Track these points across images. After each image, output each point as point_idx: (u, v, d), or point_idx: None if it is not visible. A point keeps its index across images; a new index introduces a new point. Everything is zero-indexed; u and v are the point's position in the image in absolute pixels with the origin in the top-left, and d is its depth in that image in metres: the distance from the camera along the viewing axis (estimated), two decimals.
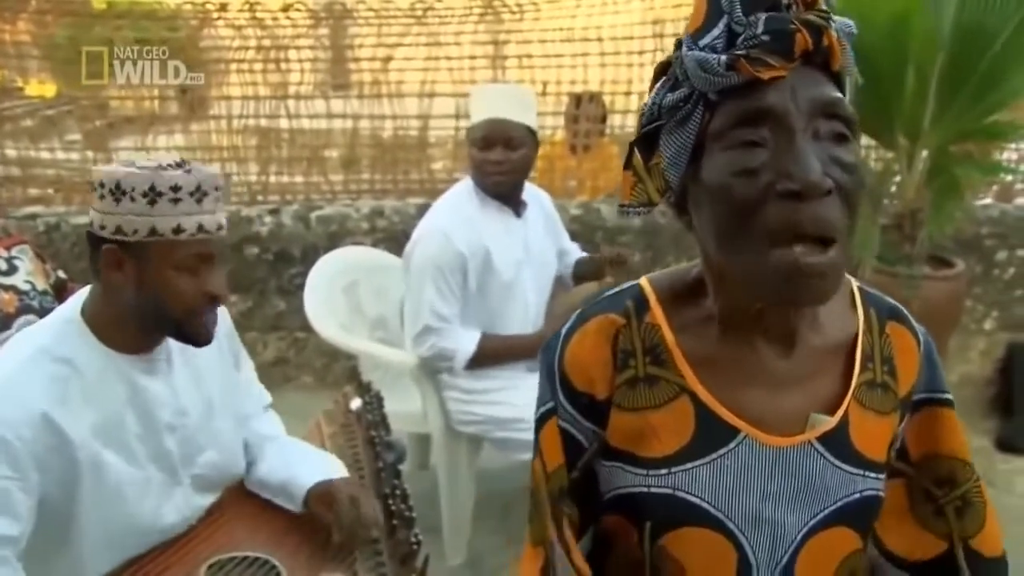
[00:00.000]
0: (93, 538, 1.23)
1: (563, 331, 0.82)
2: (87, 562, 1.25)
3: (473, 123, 2.20)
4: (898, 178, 3.14)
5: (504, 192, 2.23)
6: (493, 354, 2.21)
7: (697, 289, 0.79)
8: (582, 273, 2.51)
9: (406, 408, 2.29)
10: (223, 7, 3.75)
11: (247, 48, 3.78)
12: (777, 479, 0.76)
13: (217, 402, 1.39)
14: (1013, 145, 3.72)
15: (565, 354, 0.80)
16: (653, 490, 0.77)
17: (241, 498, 1.45)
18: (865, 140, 3.53)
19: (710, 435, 0.76)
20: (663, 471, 0.76)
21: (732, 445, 0.76)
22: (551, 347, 0.82)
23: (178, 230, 1.20)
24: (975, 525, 0.85)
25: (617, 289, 0.83)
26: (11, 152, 3.91)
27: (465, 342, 2.19)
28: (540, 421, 0.82)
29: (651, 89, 0.77)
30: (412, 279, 2.22)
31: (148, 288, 1.22)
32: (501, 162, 2.15)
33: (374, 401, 1.77)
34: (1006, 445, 3.22)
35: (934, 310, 2.94)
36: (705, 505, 0.76)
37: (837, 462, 0.77)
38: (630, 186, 0.78)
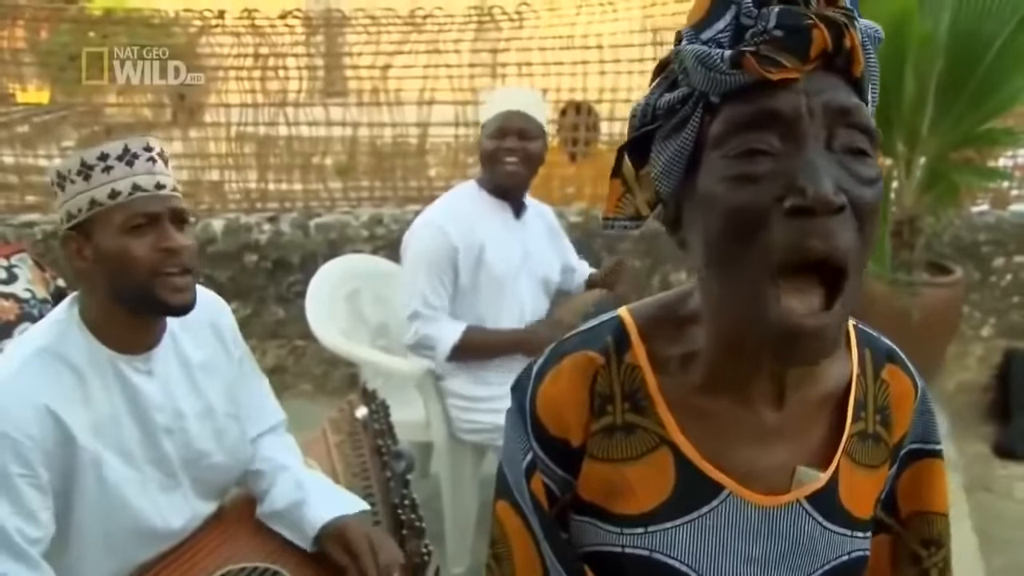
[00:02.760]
0: (92, 539, 1.23)
1: (535, 369, 0.73)
2: (85, 565, 1.24)
3: (487, 119, 2.22)
4: (896, 185, 3.15)
5: (514, 184, 2.23)
6: (477, 346, 2.19)
7: (686, 322, 0.71)
8: (592, 288, 2.52)
9: (408, 416, 2.28)
10: (221, 14, 3.74)
11: (245, 55, 3.77)
12: (762, 541, 0.70)
13: (219, 405, 1.38)
14: (1010, 152, 3.75)
15: (538, 395, 0.72)
16: (628, 551, 0.69)
17: (249, 508, 1.44)
18: None
19: (691, 491, 0.69)
20: (639, 530, 0.69)
21: (715, 503, 0.69)
22: (522, 386, 0.74)
23: (113, 194, 1.21)
24: None
25: (595, 322, 0.75)
26: (8, 159, 3.89)
27: (448, 331, 2.18)
28: (528, 473, 0.73)
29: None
30: (407, 270, 2.24)
31: (107, 262, 1.22)
32: (515, 150, 2.17)
33: (380, 410, 1.76)
34: (1004, 451, 3.23)
35: (932, 317, 2.95)
36: (685, 569, 0.69)
37: (826, 523, 0.71)
38: (617, 196, 0.69)
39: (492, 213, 2.24)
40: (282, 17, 3.77)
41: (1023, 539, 2.61)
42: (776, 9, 0.58)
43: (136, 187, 1.22)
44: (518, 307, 2.28)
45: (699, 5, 0.62)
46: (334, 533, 1.35)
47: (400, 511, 1.45)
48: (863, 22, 0.61)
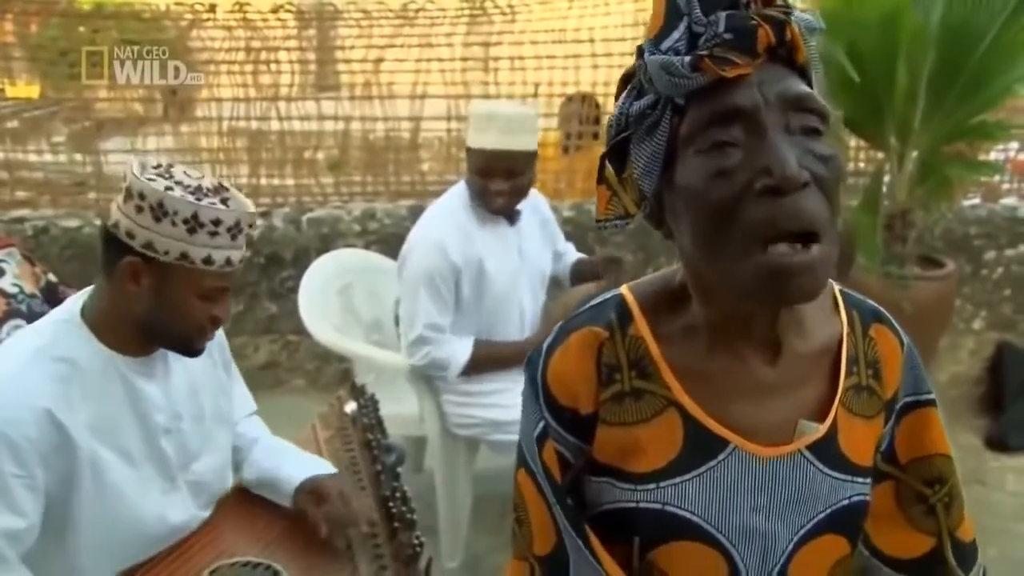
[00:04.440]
0: (89, 539, 1.23)
1: (545, 345, 0.80)
2: (83, 564, 1.24)
3: (472, 147, 2.19)
4: (888, 178, 3.15)
5: (506, 212, 2.24)
6: (486, 361, 2.21)
7: (681, 296, 0.77)
8: (579, 275, 2.52)
9: (402, 411, 2.28)
10: (212, 8, 3.72)
11: (237, 49, 3.75)
12: (767, 490, 0.75)
13: (209, 410, 1.40)
14: (1001, 145, 3.76)
15: (548, 369, 0.79)
16: (642, 505, 0.75)
17: (241, 503, 1.45)
18: (855, 141, 3.56)
19: (699, 448, 0.75)
20: (651, 486, 0.75)
21: (721, 457, 0.74)
22: (534, 361, 0.80)
23: (208, 261, 1.21)
24: (958, 516, 0.86)
25: (598, 300, 0.81)
26: None
27: (459, 351, 2.19)
28: (539, 442, 0.79)
29: (616, 99, 0.74)
30: (406, 288, 2.22)
31: (162, 306, 1.23)
32: (502, 191, 2.16)
33: (369, 404, 1.76)
34: (996, 443, 3.25)
35: (925, 310, 2.96)
36: (696, 519, 0.75)
37: (827, 470, 0.76)
38: (605, 200, 0.76)
39: (488, 226, 2.24)
40: (274, 11, 3.75)
41: (1016, 531, 2.63)
42: (723, 15, 0.65)
43: (228, 261, 1.24)
44: (518, 309, 2.29)
45: (655, 20, 0.69)
46: (309, 489, 1.43)
47: (391, 504, 1.46)
48: (799, 15, 0.68)
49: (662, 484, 0.75)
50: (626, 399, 0.76)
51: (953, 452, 0.86)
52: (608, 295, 0.81)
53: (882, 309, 0.84)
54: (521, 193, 2.21)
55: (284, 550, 1.37)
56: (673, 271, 0.80)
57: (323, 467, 1.50)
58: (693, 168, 0.67)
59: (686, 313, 0.77)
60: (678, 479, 0.75)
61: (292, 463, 1.48)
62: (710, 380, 0.75)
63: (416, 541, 1.39)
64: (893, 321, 0.83)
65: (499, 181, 2.15)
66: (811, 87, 0.69)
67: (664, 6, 0.68)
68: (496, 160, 2.13)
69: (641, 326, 0.77)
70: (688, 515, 0.74)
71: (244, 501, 1.46)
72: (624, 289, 0.80)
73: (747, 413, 0.75)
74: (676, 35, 0.67)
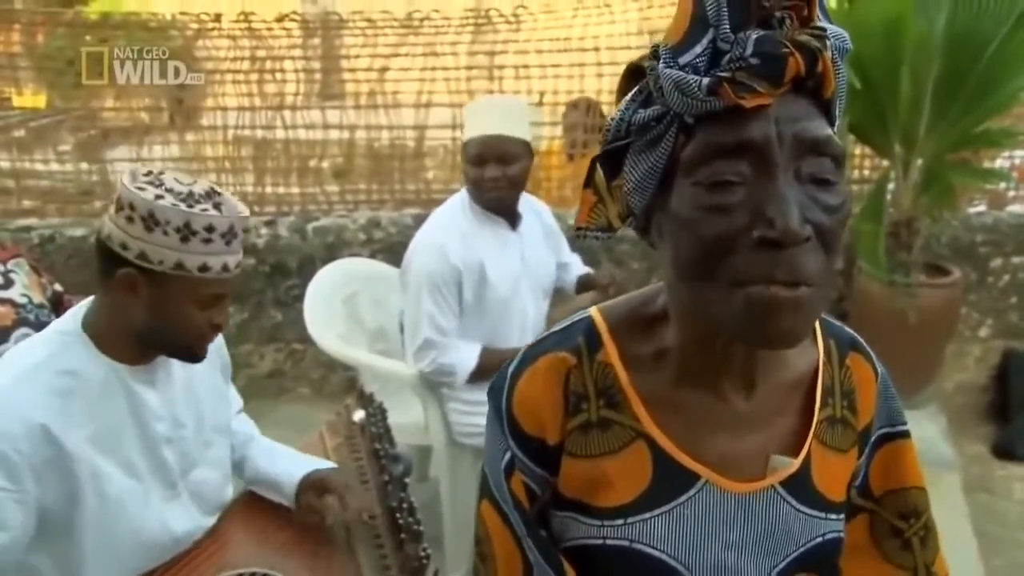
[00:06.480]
0: (95, 552, 1.22)
1: (510, 371, 0.77)
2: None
3: (467, 139, 2.19)
4: (892, 186, 3.15)
5: (502, 207, 2.22)
6: (494, 368, 2.19)
7: (656, 319, 0.74)
8: (585, 289, 2.51)
9: (406, 420, 2.28)
10: (218, 18, 3.74)
11: (242, 59, 3.77)
12: (739, 527, 0.72)
13: (208, 416, 1.39)
14: (1007, 153, 3.75)
15: (513, 396, 0.75)
16: (609, 542, 0.72)
17: (246, 514, 1.45)
18: (860, 148, 3.55)
19: (668, 482, 0.71)
20: (619, 521, 0.71)
21: (692, 492, 0.71)
22: (497, 388, 0.77)
23: (204, 268, 1.21)
24: (934, 550, 0.83)
25: (567, 323, 0.77)
26: (4, 164, 3.89)
27: (466, 356, 2.19)
28: (507, 473, 0.75)
29: (618, 96, 0.69)
30: (410, 293, 2.22)
31: (161, 315, 1.23)
32: (496, 178, 2.14)
33: (377, 413, 1.75)
34: (1003, 452, 3.24)
35: (931, 318, 2.95)
36: (665, 557, 0.71)
37: (800, 506, 0.74)
38: (589, 206, 0.71)
39: (488, 228, 2.23)
40: (279, 20, 3.77)
41: (1023, 540, 2.62)
42: (754, 36, 0.59)
43: (224, 267, 1.23)
44: (521, 316, 2.28)
45: (676, 27, 0.63)
46: (312, 482, 1.45)
47: (398, 514, 1.46)
48: (832, 30, 0.62)
49: (630, 520, 0.71)
50: (592, 430, 0.73)
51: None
52: (576, 317, 0.77)
53: (859, 338, 0.81)
54: (515, 184, 2.19)
55: (289, 561, 1.37)
56: (652, 292, 0.76)
57: (322, 463, 1.52)
58: (689, 198, 0.62)
59: (659, 338, 0.73)
60: (647, 515, 0.71)
61: (291, 460, 1.52)
62: (681, 410, 0.72)
63: (423, 553, 1.39)
64: (869, 350, 0.81)
65: (493, 167, 2.13)
66: (833, 121, 0.64)
67: (690, 12, 0.62)
68: (489, 145, 2.12)
69: (610, 351, 0.73)
70: (657, 553, 0.71)
71: (249, 511, 1.46)
72: (594, 311, 0.77)
73: (718, 446, 0.72)
74: (698, 49, 0.61)
